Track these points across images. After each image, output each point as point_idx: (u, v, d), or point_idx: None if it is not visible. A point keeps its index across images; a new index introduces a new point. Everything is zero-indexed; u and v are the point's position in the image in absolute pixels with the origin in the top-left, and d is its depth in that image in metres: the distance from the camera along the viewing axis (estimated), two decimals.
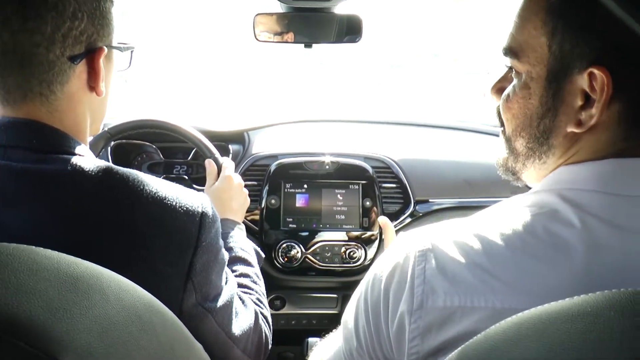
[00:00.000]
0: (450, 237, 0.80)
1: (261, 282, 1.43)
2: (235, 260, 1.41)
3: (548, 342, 0.55)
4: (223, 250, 1.14)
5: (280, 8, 1.85)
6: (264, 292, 1.41)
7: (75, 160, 0.98)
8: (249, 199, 1.73)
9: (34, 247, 0.66)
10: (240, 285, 1.33)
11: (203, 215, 1.05)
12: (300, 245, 2.05)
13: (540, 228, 0.75)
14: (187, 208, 1.03)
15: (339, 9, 1.84)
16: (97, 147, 1.74)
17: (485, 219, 0.82)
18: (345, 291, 2.17)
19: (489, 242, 0.77)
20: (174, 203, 1.01)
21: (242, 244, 1.47)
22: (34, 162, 0.96)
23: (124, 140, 2.20)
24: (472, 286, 0.74)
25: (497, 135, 0.95)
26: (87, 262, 0.70)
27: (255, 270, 1.43)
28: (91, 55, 1.04)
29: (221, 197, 1.61)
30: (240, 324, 1.17)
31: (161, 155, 2.27)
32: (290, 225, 2.08)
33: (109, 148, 2.20)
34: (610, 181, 0.77)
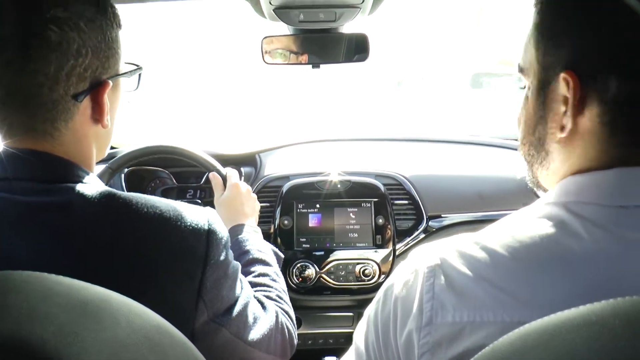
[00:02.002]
0: (459, 252, 0.80)
1: (281, 279, 1.43)
2: (253, 261, 1.41)
3: (554, 352, 0.55)
4: (233, 262, 1.12)
5: (287, 30, 1.87)
6: (285, 289, 1.40)
7: (79, 188, 0.98)
8: (259, 203, 1.74)
9: (45, 273, 0.67)
10: (259, 285, 1.33)
11: (210, 232, 1.03)
12: (315, 265, 2.05)
13: (548, 240, 0.75)
14: (193, 226, 1.01)
15: (346, 29, 1.86)
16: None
17: (494, 232, 0.82)
18: (360, 309, 2.15)
19: (497, 256, 0.77)
20: (179, 222, 1.00)
21: (259, 245, 1.47)
22: (39, 194, 0.95)
23: (136, 167, 2.23)
24: (481, 301, 0.74)
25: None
26: (98, 286, 0.71)
27: (274, 269, 1.43)
28: (95, 90, 1.03)
29: (233, 205, 1.63)
30: (260, 327, 1.17)
31: (174, 180, 2.29)
32: (304, 245, 2.09)
33: (122, 175, 2.22)
34: (615, 193, 0.77)
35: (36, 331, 0.58)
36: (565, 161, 0.85)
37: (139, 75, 1.22)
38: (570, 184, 0.81)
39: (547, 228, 0.77)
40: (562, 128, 0.82)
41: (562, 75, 0.80)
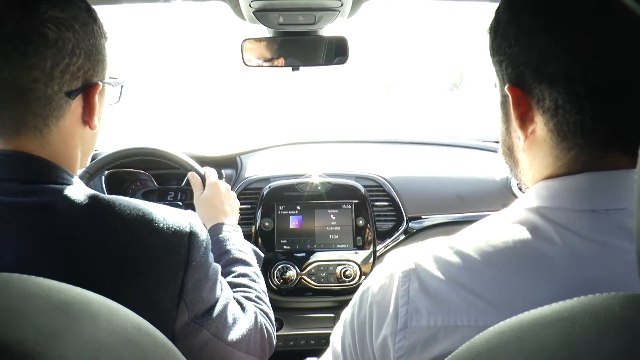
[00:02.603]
0: (434, 256, 0.81)
1: (261, 280, 1.44)
2: (233, 261, 1.42)
3: (528, 347, 0.56)
4: (214, 264, 1.14)
5: (267, 33, 1.88)
6: (264, 289, 1.42)
7: (62, 189, 1.00)
8: (238, 201, 1.77)
9: (25, 275, 0.68)
10: (238, 285, 1.35)
11: (191, 234, 1.06)
12: (296, 267, 2.06)
13: (521, 245, 0.77)
14: (175, 229, 1.04)
15: (326, 32, 1.87)
16: None
17: (468, 237, 0.83)
18: (341, 310, 2.16)
19: (470, 261, 0.78)
20: (161, 225, 1.03)
21: (239, 245, 1.49)
22: (22, 194, 0.97)
23: (117, 169, 2.23)
24: (455, 305, 0.76)
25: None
26: (78, 288, 0.71)
27: (254, 269, 1.45)
28: (87, 90, 1.06)
29: (213, 203, 1.65)
30: (239, 328, 1.18)
31: (155, 183, 2.29)
32: (285, 247, 2.10)
33: (103, 177, 2.22)
34: (585, 198, 0.78)
35: (15, 332, 0.58)
36: (530, 168, 0.88)
37: (121, 88, 1.25)
38: (542, 189, 0.83)
39: (520, 233, 0.78)
40: (518, 137, 0.87)
41: (506, 90, 0.85)
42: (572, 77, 0.77)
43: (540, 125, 0.82)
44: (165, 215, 1.05)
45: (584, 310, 0.57)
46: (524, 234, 0.78)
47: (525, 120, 0.84)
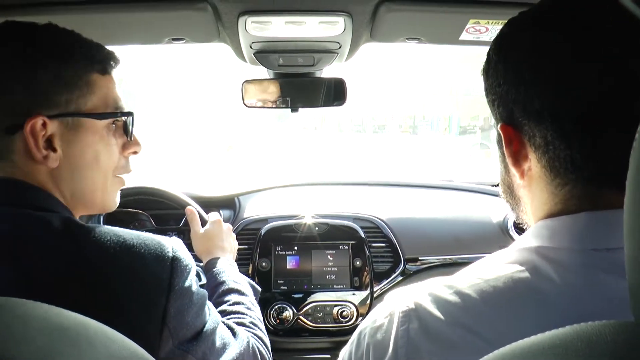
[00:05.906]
0: (433, 296, 0.81)
1: (256, 308, 1.44)
2: (228, 291, 1.42)
3: None
4: (200, 290, 1.12)
5: (267, 74, 1.91)
6: (260, 317, 1.41)
7: (43, 216, 1.00)
8: (237, 242, 1.77)
9: (23, 299, 0.68)
10: (232, 312, 1.34)
11: (174, 259, 1.04)
12: (292, 307, 2.06)
13: (520, 284, 0.76)
14: (156, 254, 1.03)
15: (324, 74, 1.91)
16: None
17: (467, 276, 0.82)
18: (338, 351, 2.15)
19: (470, 301, 0.77)
20: (142, 250, 1.02)
21: (235, 277, 1.49)
22: (6, 221, 0.98)
23: (115, 209, 2.23)
24: (455, 345, 0.75)
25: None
26: (74, 312, 0.72)
27: (249, 299, 1.44)
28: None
29: (213, 239, 1.66)
30: (229, 353, 1.17)
31: (153, 223, 2.29)
32: (282, 287, 2.10)
33: (102, 217, 2.22)
34: (586, 237, 0.78)
35: (14, 353, 0.59)
36: (531, 205, 0.88)
37: (130, 121, 1.18)
38: (541, 229, 0.83)
39: (520, 272, 0.78)
40: (516, 176, 0.87)
41: (499, 129, 0.86)
42: (557, 112, 0.77)
43: (534, 162, 0.82)
44: (147, 241, 1.04)
45: (577, 336, 0.57)
46: (523, 274, 0.77)
47: (518, 159, 0.84)
